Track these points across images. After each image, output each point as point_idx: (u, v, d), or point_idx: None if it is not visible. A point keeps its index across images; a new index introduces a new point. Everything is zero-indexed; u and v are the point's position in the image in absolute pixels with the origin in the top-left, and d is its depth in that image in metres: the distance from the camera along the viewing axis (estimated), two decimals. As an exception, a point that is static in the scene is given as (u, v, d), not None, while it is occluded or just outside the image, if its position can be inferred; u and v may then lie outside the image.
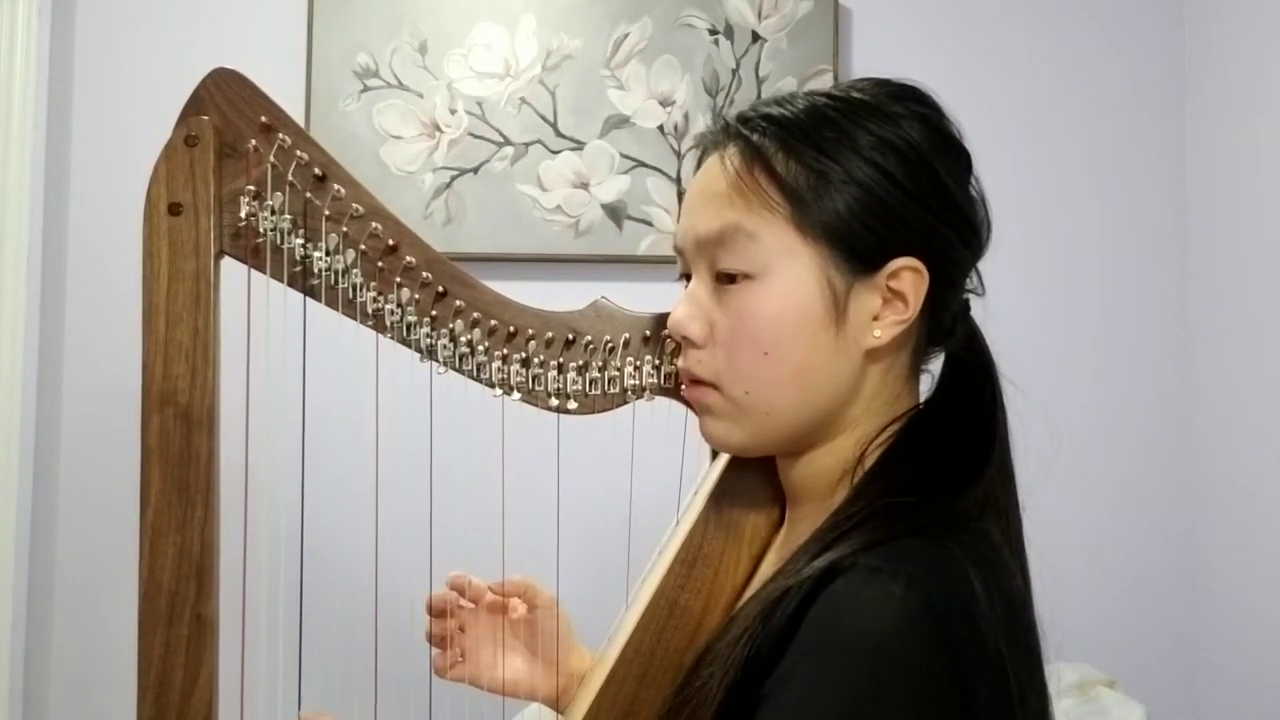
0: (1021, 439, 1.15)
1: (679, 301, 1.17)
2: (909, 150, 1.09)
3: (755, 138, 1.11)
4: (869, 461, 1.11)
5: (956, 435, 1.12)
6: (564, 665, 1.41)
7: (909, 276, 1.09)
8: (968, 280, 1.17)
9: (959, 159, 1.15)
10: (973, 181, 1.16)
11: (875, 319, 1.10)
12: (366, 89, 2.52)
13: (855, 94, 1.13)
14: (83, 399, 2.48)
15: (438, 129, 2.53)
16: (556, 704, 1.41)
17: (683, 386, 1.20)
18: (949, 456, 1.10)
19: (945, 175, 1.11)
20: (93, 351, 2.48)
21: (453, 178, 2.53)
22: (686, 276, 1.19)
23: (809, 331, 1.09)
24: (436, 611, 1.42)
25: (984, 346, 1.18)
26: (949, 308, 1.15)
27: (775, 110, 1.13)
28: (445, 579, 1.42)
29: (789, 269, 1.09)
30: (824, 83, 2.53)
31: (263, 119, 1.23)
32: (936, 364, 1.19)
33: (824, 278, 1.09)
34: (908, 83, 1.17)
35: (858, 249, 1.08)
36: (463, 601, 1.42)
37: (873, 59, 2.62)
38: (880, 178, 1.08)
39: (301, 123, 2.26)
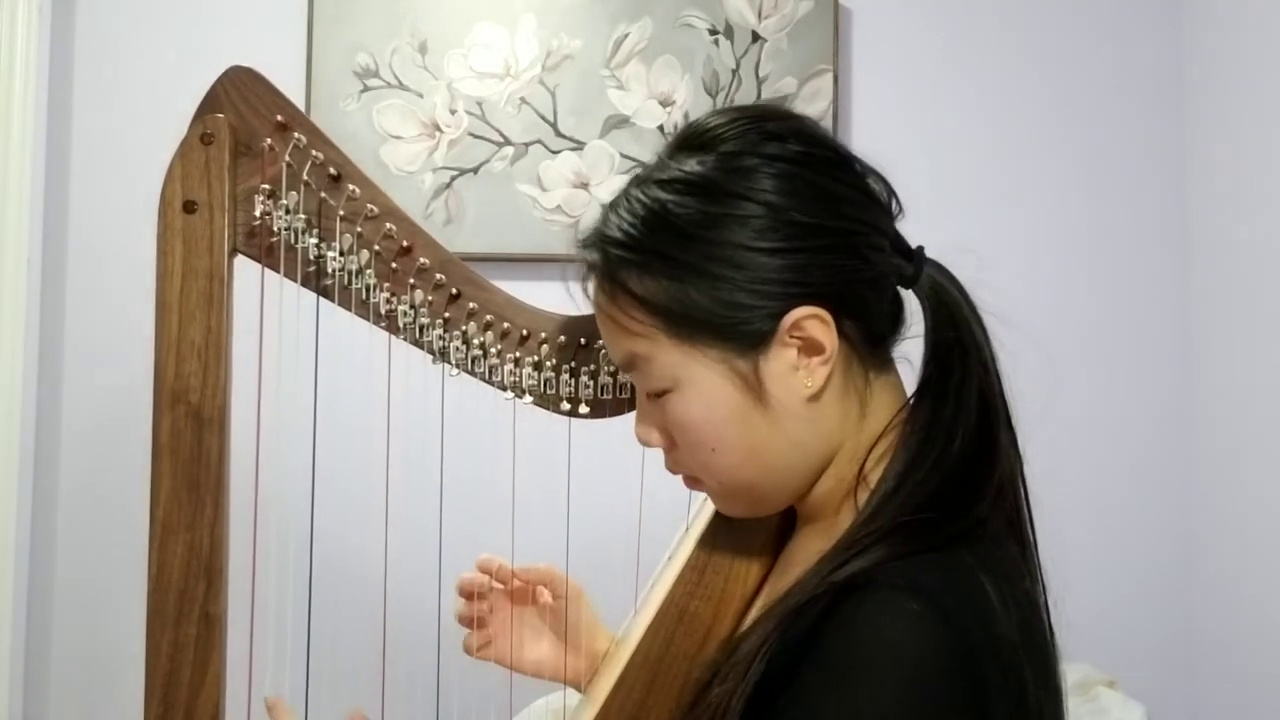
0: (1020, 441, 1.14)
1: (636, 417, 1.20)
2: (759, 213, 1.06)
3: (603, 264, 1.12)
4: (872, 476, 1.10)
5: (961, 428, 1.09)
6: (589, 649, 1.42)
7: (810, 324, 1.07)
8: (883, 268, 1.12)
9: (823, 175, 1.10)
10: (853, 172, 1.12)
11: (797, 369, 1.08)
12: (366, 89, 2.52)
13: (690, 167, 1.10)
14: (83, 399, 2.47)
15: (438, 129, 2.53)
16: (582, 687, 1.41)
17: None
18: (959, 456, 1.08)
19: (809, 213, 1.07)
20: (93, 351, 2.47)
21: (453, 178, 2.53)
22: None
23: (740, 418, 1.09)
24: (467, 593, 1.42)
25: (956, 304, 1.12)
26: (873, 313, 1.12)
27: (612, 226, 1.11)
28: (475, 562, 1.42)
29: (692, 375, 1.09)
30: (824, 83, 2.53)
31: (278, 118, 1.23)
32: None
33: (727, 370, 1.08)
34: (749, 115, 1.13)
35: (744, 332, 1.07)
36: (493, 583, 1.43)
37: (873, 59, 2.62)
38: (739, 256, 1.06)
39: (303, 122, 2.26)
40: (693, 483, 1.19)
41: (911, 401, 1.14)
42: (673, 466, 1.18)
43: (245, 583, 1.27)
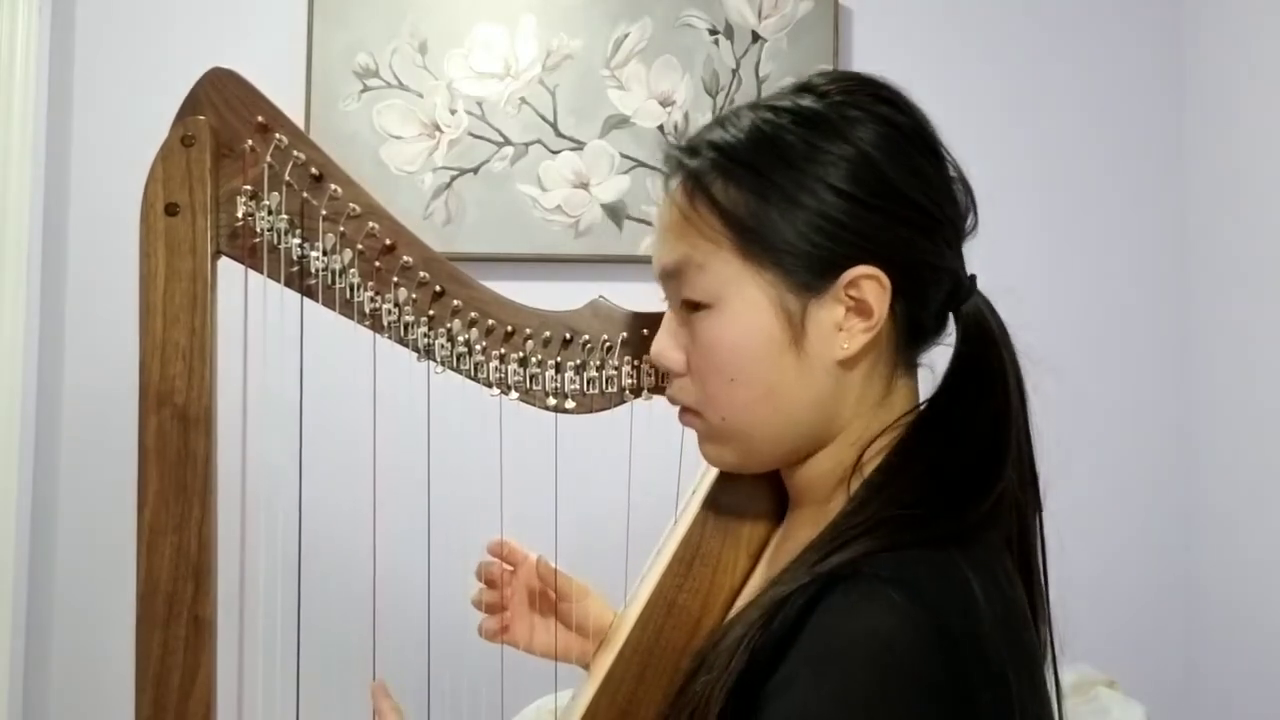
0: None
1: (659, 332, 1.17)
2: (858, 159, 1.07)
3: (696, 165, 1.11)
4: (868, 467, 1.10)
5: (965, 440, 1.09)
6: (598, 633, 1.42)
7: (868, 285, 1.06)
8: (947, 266, 1.12)
9: (921, 153, 1.11)
10: (946, 168, 1.13)
11: (840, 329, 1.08)
12: (366, 89, 2.52)
13: (805, 102, 1.11)
14: (83, 399, 2.47)
15: (438, 129, 2.53)
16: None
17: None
18: (957, 465, 1.07)
19: (900, 178, 1.08)
20: (93, 351, 2.47)
21: (453, 178, 2.53)
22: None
23: (771, 354, 1.08)
24: (488, 580, 1.43)
25: (993, 338, 1.13)
26: (926, 304, 1.12)
27: (717, 134, 1.11)
28: (487, 545, 1.43)
29: (741, 296, 1.08)
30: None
31: (259, 119, 1.23)
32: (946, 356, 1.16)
33: (776, 301, 1.07)
34: (866, 77, 1.14)
35: (806, 269, 1.07)
36: (504, 567, 1.43)
37: (873, 59, 2.61)
38: (825, 192, 1.06)
39: (301, 123, 2.26)
40: (690, 418, 1.16)
41: (923, 407, 1.14)
42: (676, 393, 1.16)
43: (234, 584, 1.27)
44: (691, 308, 1.11)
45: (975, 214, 1.15)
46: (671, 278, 1.13)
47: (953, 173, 1.13)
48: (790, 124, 1.09)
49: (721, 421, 1.13)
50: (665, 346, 1.16)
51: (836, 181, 1.06)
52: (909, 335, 1.12)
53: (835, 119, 1.09)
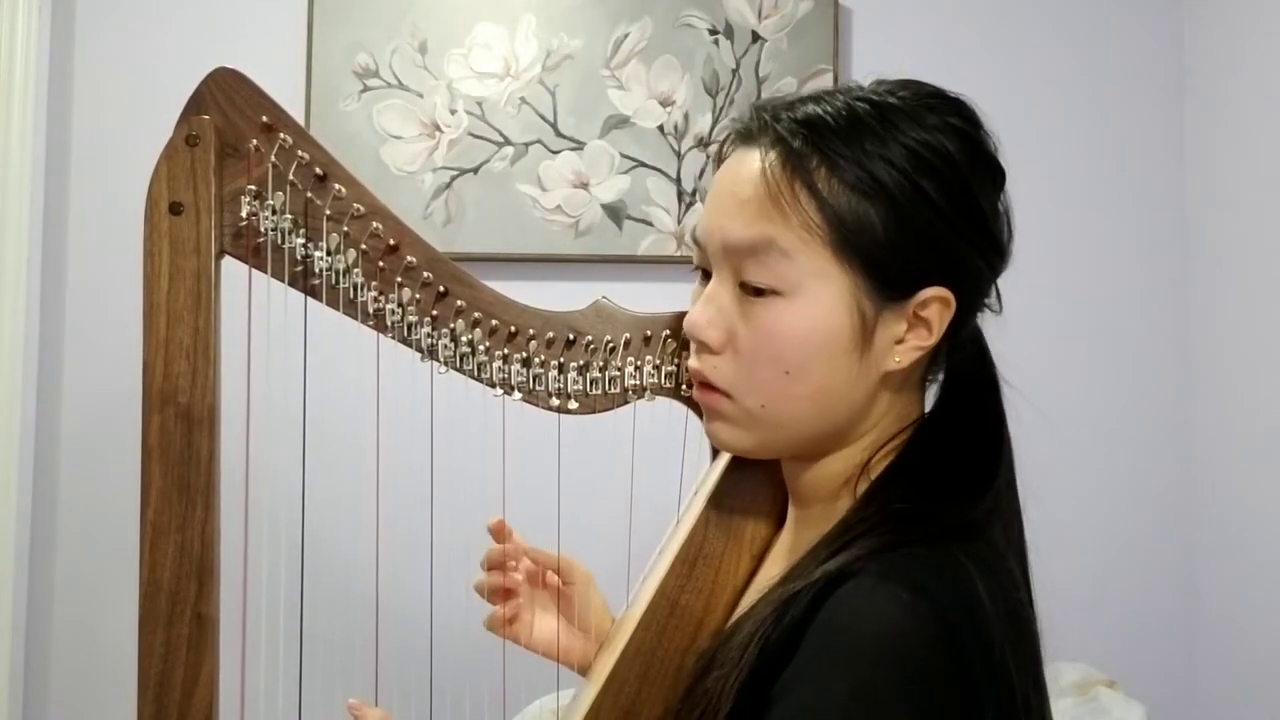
0: (1020, 441, 1.15)
1: (697, 301, 1.13)
2: (947, 170, 1.05)
3: (797, 145, 1.05)
4: (875, 470, 1.10)
5: (965, 445, 1.11)
6: (599, 633, 1.41)
7: (937, 306, 1.06)
8: (986, 299, 1.14)
9: (993, 177, 1.11)
10: (1001, 199, 1.12)
11: (898, 343, 1.07)
12: (366, 89, 2.52)
13: (893, 99, 1.07)
14: (83, 399, 2.48)
15: (438, 129, 2.53)
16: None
17: (689, 385, 1.18)
18: (959, 467, 1.09)
19: (980, 197, 1.07)
20: (93, 351, 2.47)
21: (453, 178, 2.53)
22: (704, 271, 1.14)
23: (832, 354, 1.06)
24: (494, 566, 1.40)
25: (988, 356, 1.16)
26: (967, 327, 1.12)
27: (815, 112, 1.07)
28: (487, 525, 1.41)
29: (821, 291, 1.05)
30: (824, 83, 2.54)
31: (264, 119, 1.23)
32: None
33: (855, 303, 1.05)
34: (947, 93, 1.11)
35: (892, 277, 1.05)
36: (508, 557, 1.42)
37: (873, 59, 2.62)
38: (920, 200, 1.04)
39: (301, 123, 2.25)
40: (712, 395, 1.12)
41: (928, 415, 1.15)
42: (706, 371, 1.12)
43: (237, 583, 1.27)
44: (754, 291, 1.07)
45: (1012, 238, 1.14)
46: (737, 254, 1.08)
47: (1003, 210, 1.13)
48: (887, 119, 1.06)
49: (760, 409, 1.10)
50: (706, 321, 1.11)
51: (932, 192, 1.04)
52: (944, 354, 1.13)
53: (926, 125, 1.06)
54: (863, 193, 1.03)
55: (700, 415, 1.19)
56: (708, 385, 1.13)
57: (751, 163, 1.08)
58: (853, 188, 1.04)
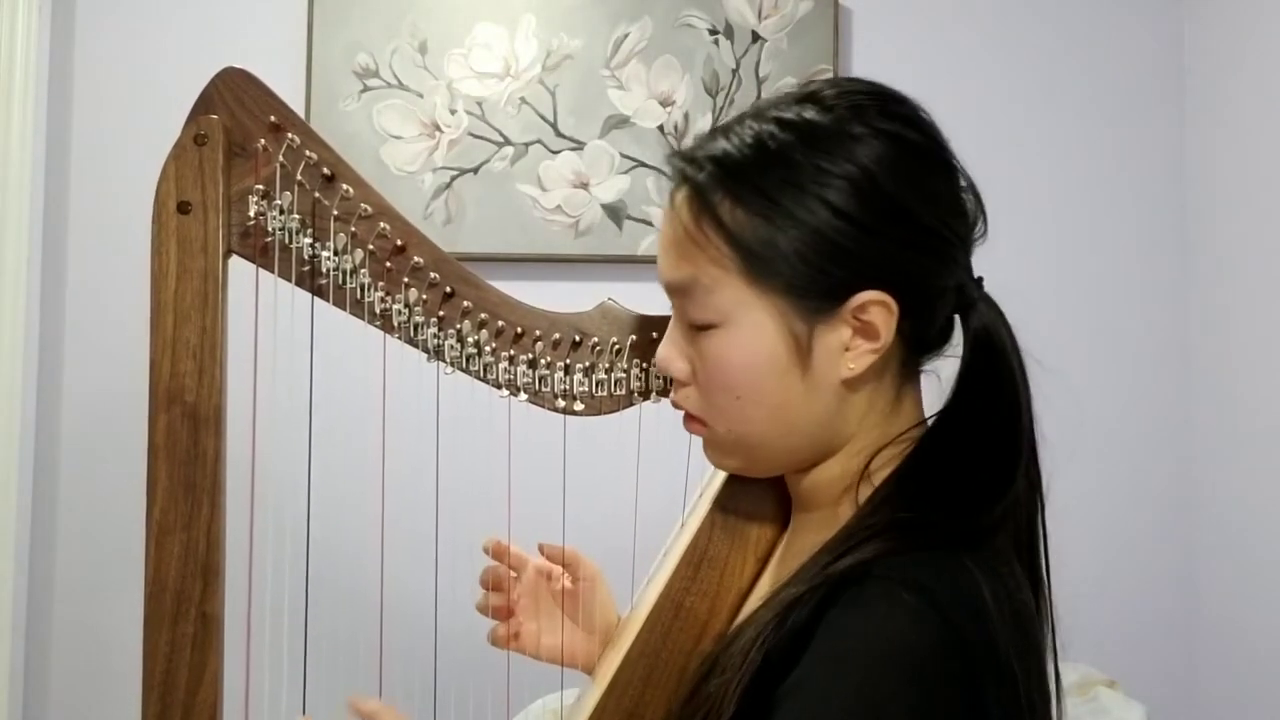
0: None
1: (663, 340, 1.16)
2: (864, 181, 1.05)
3: (701, 178, 1.08)
4: (877, 476, 1.10)
5: (975, 450, 1.09)
6: (605, 633, 1.41)
7: (876, 309, 1.05)
8: (954, 282, 1.11)
9: (930, 170, 1.10)
10: (957, 180, 1.11)
11: (847, 349, 1.07)
12: (366, 89, 2.52)
13: (810, 114, 1.08)
14: (83, 398, 2.47)
15: (438, 129, 2.53)
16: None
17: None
18: (970, 474, 1.08)
19: (907, 198, 1.06)
20: (93, 351, 2.47)
21: (453, 178, 2.53)
22: None
23: (777, 374, 1.08)
24: (493, 585, 1.41)
25: (1000, 346, 1.12)
26: (933, 320, 1.11)
27: (720, 147, 1.09)
28: (486, 545, 1.42)
29: (748, 318, 1.07)
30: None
31: (272, 118, 1.23)
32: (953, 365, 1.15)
33: (784, 324, 1.06)
34: (875, 89, 1.12)
35: (814, 294, 1.06)
36: (510, 572, 1.43)
37: (873, 59, 2.62)
38: (832, 217, 1.04)
39: (303, 122, 2.26)
40: (694, 425, 1.16)
41: (934, 420, 1.14)
42: (681, 401, 1.15)
43: (242, 582, 1.27)
44: (698, 325, 1.10)
45: (985, 221, 1.14)
46: (675, 293, 1.12)
47: (963, 182, 1.12)
48: (796, 140, 1.07)
49: (727, 433, 1.13)
50: (670, 356, 1.14)
51: (843, 205, 1.04)
52: (914, 349, 1.12)
53: (841, 136, 1.06)
54: (766, 218, 1.05)
55: None
56: (689, 415, 1.16)
57: (672, 206, 1.11)
58: (756, 214, 1.05)
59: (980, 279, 1.14)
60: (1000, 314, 1.13)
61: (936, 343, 1.14)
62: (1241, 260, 2.48)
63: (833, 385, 1.08)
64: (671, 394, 1.17)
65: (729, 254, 1.06)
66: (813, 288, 1.05)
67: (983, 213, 1.14)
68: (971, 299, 1.12)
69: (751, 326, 1.07)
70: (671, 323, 1.15)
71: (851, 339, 1.07)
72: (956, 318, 1.13)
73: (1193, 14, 2.67)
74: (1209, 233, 2.60)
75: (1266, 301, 2.39)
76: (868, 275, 1.05)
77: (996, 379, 1.11)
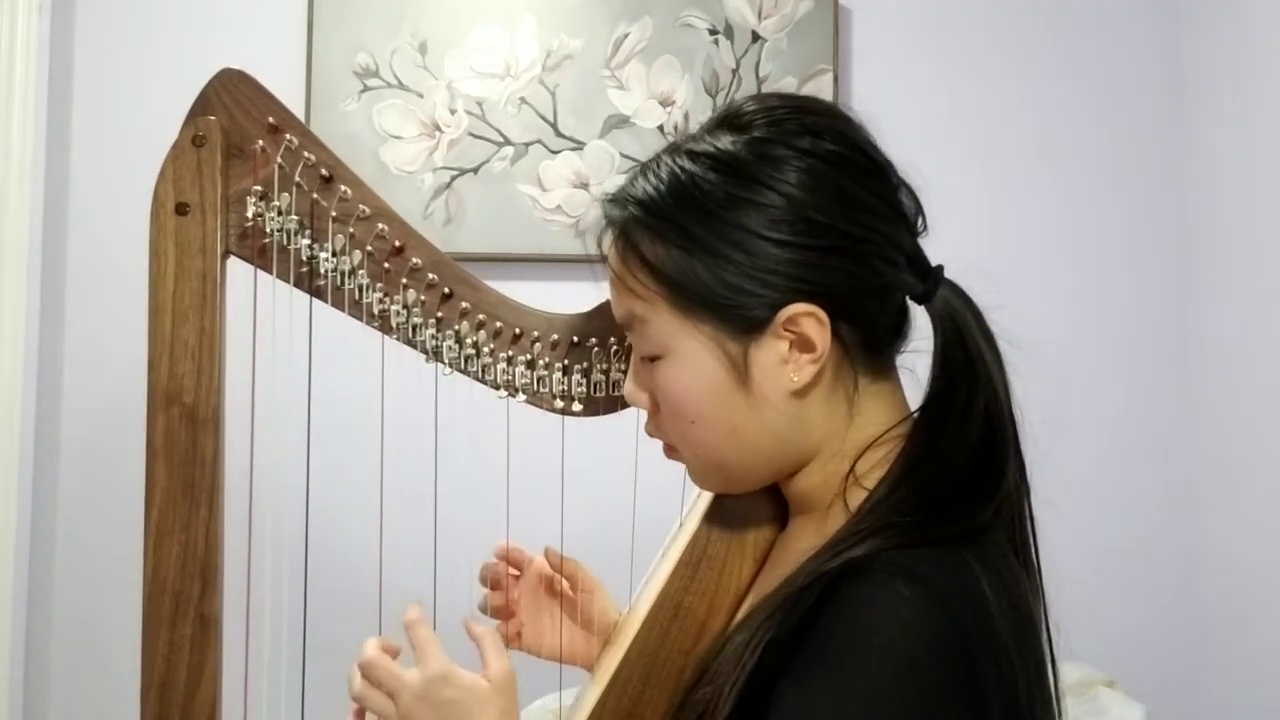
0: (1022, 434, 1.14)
1: (628, 375, 1.20)
2: (779, 203, 1.07)
3: (622, 220, 1.13)
4: (867, 478, 1.10)
5: (964, 443, 1.09)
6: (604, 634, 1.42)
7: (806, 321, 1.07)
8: (890, 280, 1.11)
9: (853, 178, 1.10)
10: (887, 179, 1.12)
11: (786, 363, 1.09)
12: (366, 89, 2.52)
13: (723, 144, 1.10)
14: (83, 399, 2.47)
15: (438, 129, 2.53)
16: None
17: None
18: (961, 470, 1.08)
19: (827, 214, 1.07)
20: (93, 352, 2.47)
21: (453, 178, 2.53)
22: None
23: (721, 396, 1.10)
24: (493, 583, 1.43)
25: (969, 329, 1.12)
26: (875, 322, 1.12)
27: (639, 188, 1.12)
28: (493, 549, 1.43)
29: (684, 347, 1.10)
30: (824, 83, 2.53)
31: (270, 120, 1.23)
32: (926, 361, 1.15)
33: (717, 349, 1.09)
34: (793, 102, 1.16)
35: (741, 317, 1.08)
36: (510, 571, 1.44)
37: (873, 59, 2.62)
38: (748, 241, 1.07)
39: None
40: (671, 451, 1.19)
41: (916, 414, 1.14)
42: (653, 431, 1.19)
43: (240, 583, 1.27)
44: (649, 358, 1.14)
45: (923, 216, 1.15)
46: (627, 329, 1.17)
47: (893, 180, 1.13)
48: (708, 172, 1.09)
49: (694, 457, 1.16)
50: (633, 389, 1.18)
51: (759, 229, 1.07)
52: (863, 351, 1.12)
53: (754, 162, 1.09)
54: (685, 249, 1.08)
55: None
56: (664, 443, 1.19)
57: (608, 248, 1.17)
58: (675, 246, 1.09)
59: (940, 267, 1.14)
60: (965, 298, 1.13)
61: (888, 340, 1.15)
62: (1241, 260, 2.48)
63: (782, 399, 1.10)
64: (646, 426, 1.20)
65: (655, 289, 1.10)
66: (737, 310, 1.08)
67: (920, 208, 1.15)
68: (925, 290, 1.12)
69: (688, 355, 1.10)
70: (632, 358, 1.19)
71: (789, 352, 1.09)
72: (922, 309, 1.14)
73: (1192, 15, 2.67)
74: (1209, 233, 2.60)
75: (1267, 301, 2.38)
76: (792, 289, 1.07)
77: (968, 361, 1.11)
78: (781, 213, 1.06)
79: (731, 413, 1.10)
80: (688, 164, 1.10)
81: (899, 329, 1.15)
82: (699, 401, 1.11)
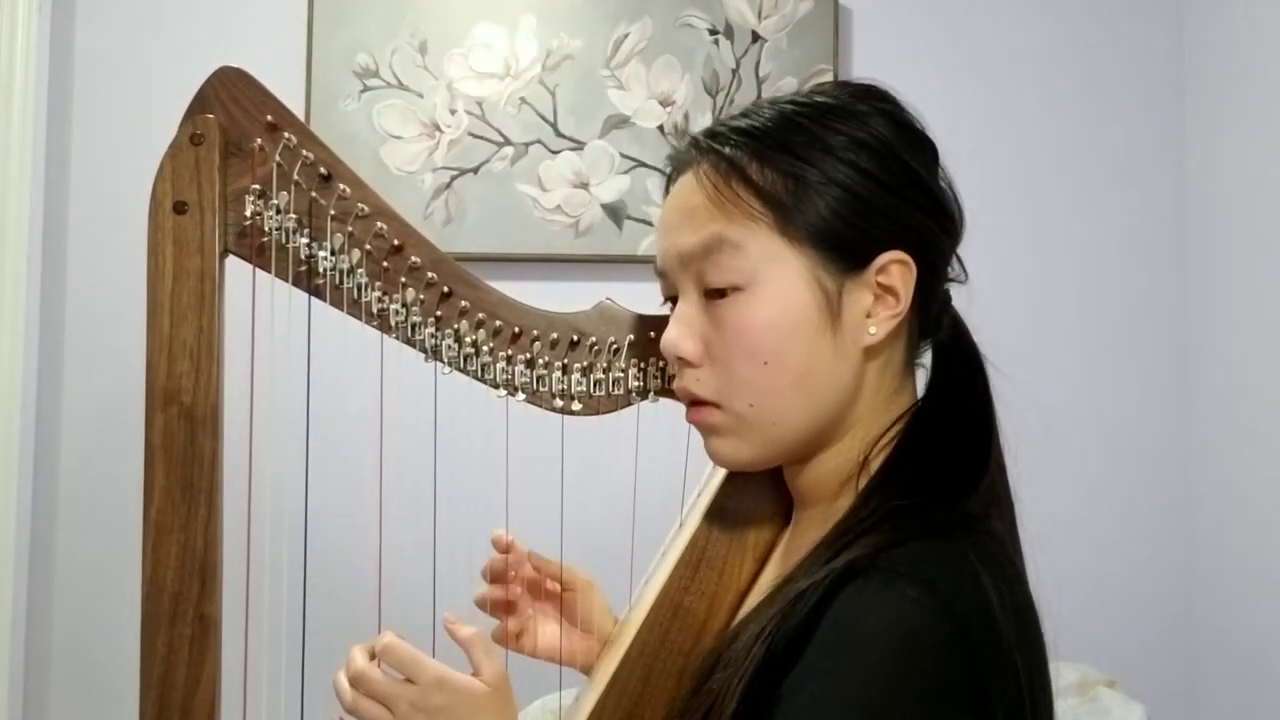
0: (1013, 435, 1.15)
1: (670, 323, 1.15)
2: (880, 146, 1.10)
3: (728, 150, 1.11)
4: (874, 464, 1.11)
5: (957, 431, 1.12)
6: (601, 635, 1.41)
7: (897, 270, 1.09)
8: (949, 269, 1.17)
9: (926, 151, 1.15)
10: (941, 172, 1.16)
11: (869, 315, 1.10)
12: (366, 89, 2.52)
13: (819, 98, 1.14)
14: (83, 399, 2.47)
15: (438, 129, 2.53)
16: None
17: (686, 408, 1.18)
18: (953, 454, 1.10)
19: (918, 166, 1.12)
20: (93, 351, 2.47)
21: (453, 178, 2.53)
22: (672, 300, 1.18)
23: (806, 336, 1.09)
24: (496, 577, 1.41)
25: (969, 335, 1.18)
26: (936, 296, 1.16)
27: (743, 122, 1.13)
28: (491, 538, 1.41)
29: (778, 275, 1.08)
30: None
31: (268, 118, 1.23)
32: (926, 358, 1.19)
33: (814, 280, 1.08)
34: (867, 82, 1.17)
35: (844, 248, 1.08)
36: (510, 563, 1.42)
37: (873, 59, 2.62)
38: (857, 175, 1.08)
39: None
40: (707, 411, 1.14)
41: (920, 404, 1.16)
42: (690, 385, 1.14)
43: (240, 582, 1.27)
44: (717, 293, 1.11)
45: (963, 223, 1.18)
46: (693, 261, 1.12)
47: (945, 184, 1.16)
48: (816, 113, 1.12)
49: (749, 409, 1.11)
50: (679, 335, 1.13)
51: (866, 165, 1.09)
52: (920, 327, 1.16)
53: (853, 111, 1.12)
54: (797, 176, 1.09)
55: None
56: (697, 401, 1.15)
57: (690, 181, 1.14)
58: (787, 173, 1.09)
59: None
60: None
61: (931, 329, 1.17)
62: (1241, 260, 2.48)
63: (855, 352, 1.11)
64: (677, 381, 1.16)
65: (760, 209, 1.09)
66: (842, 241, 1.08)
67: (962, 212, 1.18)
68: (949, 293, 1.19)
69: (781, 282, 1.09)
70: (679, 305, 1.15)
71: (873, 305, 1.10)
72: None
73: (1193, 14, 2.67)
74: (1209, 233, 2.60)
75: (1266, 301, 2.38)
76: (891, 234, 1.09)
77: (966, 362, 1.16)
78: (883, 155, 1.10)
79: (809, 355, 1.09)
80: (792, 107, 1.13)
81: (939, 321, 1.17)
82: (782, 335, 1.09)
